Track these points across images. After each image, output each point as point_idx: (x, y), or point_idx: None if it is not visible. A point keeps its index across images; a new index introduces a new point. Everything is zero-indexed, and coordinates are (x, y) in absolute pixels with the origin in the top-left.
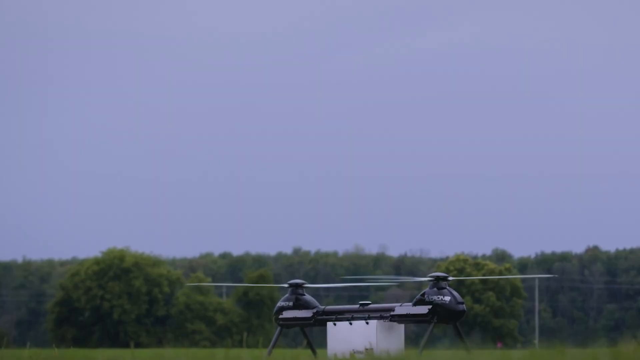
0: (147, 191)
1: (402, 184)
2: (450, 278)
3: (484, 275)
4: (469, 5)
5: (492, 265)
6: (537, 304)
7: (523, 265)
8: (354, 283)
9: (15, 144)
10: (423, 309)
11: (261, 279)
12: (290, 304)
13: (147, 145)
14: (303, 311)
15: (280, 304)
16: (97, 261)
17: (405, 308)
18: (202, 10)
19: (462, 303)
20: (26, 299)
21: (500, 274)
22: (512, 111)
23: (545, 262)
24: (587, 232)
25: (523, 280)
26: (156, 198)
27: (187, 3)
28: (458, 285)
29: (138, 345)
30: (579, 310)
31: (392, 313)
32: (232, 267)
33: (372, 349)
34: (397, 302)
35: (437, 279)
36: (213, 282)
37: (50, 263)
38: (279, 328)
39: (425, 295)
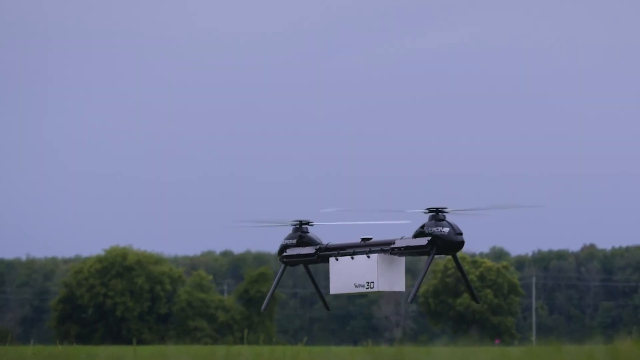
0: (148, 190)
1: (402, 183)
2: (449, 209)
3: (481, 273)
4: (468, 5)
5: (489, 262)
6: (534, 301)
7: (520, 263)
8: (355, 222)
9: (18, 144)
10: (422, 241)
11: (262, 276)
12: (294, 241)
13: (149, 145)
14: (306, 248)
15: (284, 242)
16: (100, 259)
17: (405, 241)
18: (202, 10)
19: (461, 234)
20: (30, 296)
21: (498, 271)
22: (512, 111)
23: (542, 260)
24: (584, 230)
25: (520, 278)
26: (158, 197)
27: (187, 3)
28: (457, 283)
29: (140, 342)
30: (576, 308)
31: (392, 246)
32: (233, 265)
33: (373, 282)
34: (395, 299)
35: (437, 210)
36: (214, 280)
37: (53, 261)
38: (282, 266)
39: (425, 228)
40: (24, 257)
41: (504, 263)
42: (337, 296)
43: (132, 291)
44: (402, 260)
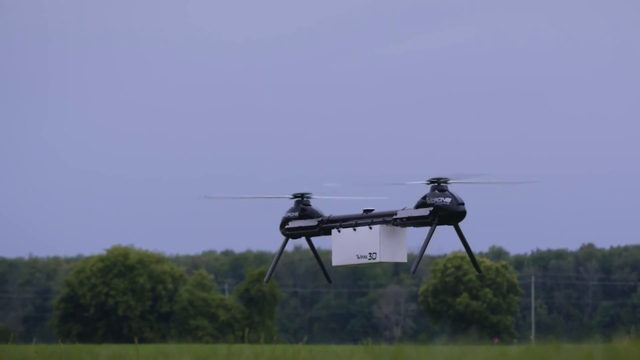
0: (149, 190)
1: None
2: (451, 181)
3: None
4: (470, 6)
5: (488, 262)
6: (533, 300)
7: (519, 263)
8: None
9: (18, 144)
10: (424, 211)
11: (262, 276)
12: (296, 214)
13: (150, 145)
14: (308, 220)
15: (286, 215)
16: (101, 258)
17: (407, 211)
18: (203, 13)
19: (463, 204)
20: (32, 295)
21: (497, 271)
22: (511, 111)
23: (541, 259)
24: (583, 230)
25: (519, 277)
26: (159, 196)
27: (187, 6)
28: (456, 282)
29: (142, 340)
30: (574, 307)
31: (394, 217)
32: (234, 264)
33: (375, 253)
34: (395, 299)
35: (438, 181)
36: (215, 279)
37: (56, 260)
38: (284, 239)
39: (427, 198)
40: (26, 257)
41: (503, 262)
42: (340, 270)
43: (134, 290)
44: (404, 231)
